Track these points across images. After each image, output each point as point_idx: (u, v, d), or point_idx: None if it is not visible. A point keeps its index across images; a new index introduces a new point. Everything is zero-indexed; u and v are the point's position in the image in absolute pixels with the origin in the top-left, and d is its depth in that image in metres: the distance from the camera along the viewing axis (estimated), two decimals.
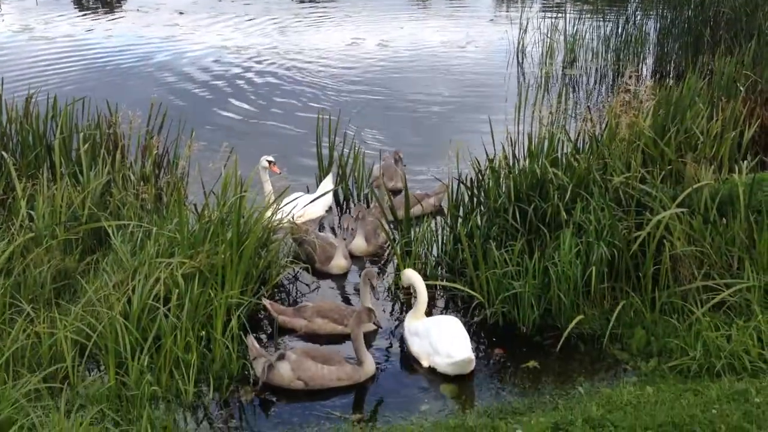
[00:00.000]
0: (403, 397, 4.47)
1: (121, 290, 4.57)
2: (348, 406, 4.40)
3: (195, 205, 6.07)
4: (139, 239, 5.21)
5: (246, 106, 10.44)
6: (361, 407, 4.41)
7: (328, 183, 7.03)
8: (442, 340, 4.64)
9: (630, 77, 6.70)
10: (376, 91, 11.13)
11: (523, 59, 12.48)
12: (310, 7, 19.18)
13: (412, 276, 5.07)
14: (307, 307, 5.17)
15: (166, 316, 4.46)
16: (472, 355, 4.56)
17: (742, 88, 7.22)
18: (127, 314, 4.45)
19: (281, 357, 4.50)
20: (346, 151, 7.48)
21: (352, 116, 9.05)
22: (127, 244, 5.13)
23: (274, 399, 4.46)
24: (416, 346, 4.81)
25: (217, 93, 11.02)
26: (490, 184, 5.79)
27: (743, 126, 6.45)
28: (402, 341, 5.03)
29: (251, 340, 4.63)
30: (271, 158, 6.72)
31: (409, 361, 4.85)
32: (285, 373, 4.46)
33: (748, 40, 9.14)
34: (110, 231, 5.26)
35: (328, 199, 6.99)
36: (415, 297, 5.02)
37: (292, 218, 6.14)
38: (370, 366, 4.60)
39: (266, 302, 5.18)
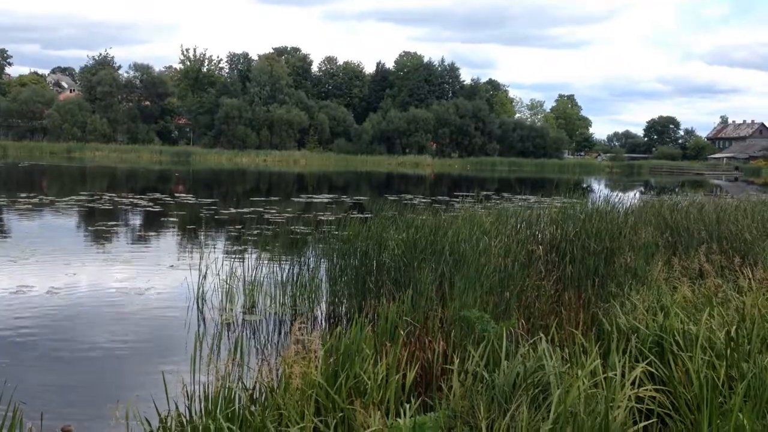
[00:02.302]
0: None
1: None
2: None
3: None
4: None
5: None
6: None
7: None
8: None
9: (299, 328, 6.99)
10: (41, 344, 10.30)
11: (203, 305, 12.49)
12: None
13: None
14: None
15: None
16: None
17: (403, 332, 7.87)
18: None
19: None
20: None
21: (10, 373, 8.22)
22: None
23: None
24: None
25: None
26: None
27: (405, 369, 6.96)
28: None
29: None
30: None
31: None
32: None
33: (407, 287, 10.13)
34: None
35: None
36: None
37: None
38: None
39: None
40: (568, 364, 6.44)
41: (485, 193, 37.77)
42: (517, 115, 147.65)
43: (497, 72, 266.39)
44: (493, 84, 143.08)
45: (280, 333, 11.25)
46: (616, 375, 6.08)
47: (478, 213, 14.28)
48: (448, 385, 6.51)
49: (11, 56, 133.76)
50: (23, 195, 35.02)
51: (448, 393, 6.32)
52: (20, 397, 6.83)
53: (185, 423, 5.73)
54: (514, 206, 16.12)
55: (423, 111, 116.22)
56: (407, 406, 5.83)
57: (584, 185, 63.33)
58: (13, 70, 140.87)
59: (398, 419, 5.61)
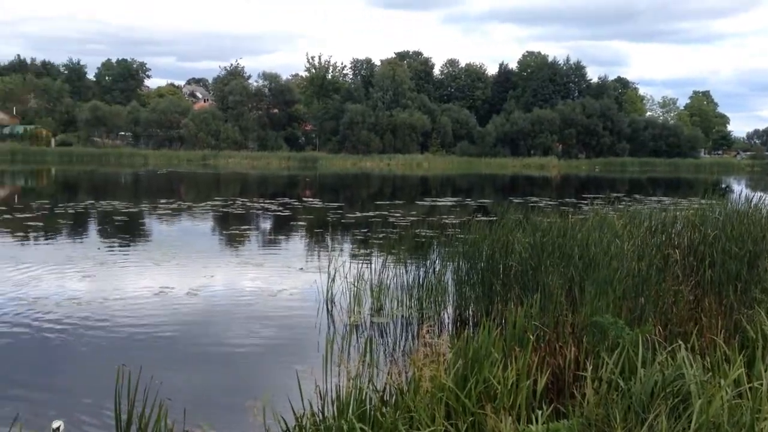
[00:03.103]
0: None
1: None
2: None
3: None
4: None
5: (41, 362, 9.77)
6: None
7: None
8: None
9: (427, 331, 7.02)
10: (183, 343, 10.86)
11: (332, 307, 12.78)
12: (117, 254, 18.94)
13: None
14: None
15: None
16: None
17: (532, 337, 7.75)
18: None
19: None
20: (147, 409, 7.05)
21: (156, 370, 8.66)
22: None
23: None
24: None
25: (8, 347, 10.26)
26: None
27: (536, 375, 6.85)
28: None
29: None
30: (57, 424, 6.19)
31: None
32: None
33: (535, 291, 9.97)
34: None
35: None
36: None
37: None
38: None
39: None
40: (710, 373, 6.15)
41: (615, 194, 36.61)
42: (648, 113, 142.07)
43: (625, 69, 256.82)
44: (621, 82, 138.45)
45: (407, 335, 11.34)
46: (762, 385, 5.74)
47: (609, 215, 13.84)
48: (581, 393, 6.35)
49: (150, 69, 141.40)
50: (163, 201, 36.96)
51: (581, 400, 6.17)
52: (164, 393, 7.21)
53: (318, 422, 5.87)
54: (646, 208, 15.52)
55: (548, 111, 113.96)
56: (539, 412, 5.74)
57: (723, 185, 60.31)
58: (152, 83, 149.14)
59: (530, 425, 5.54)
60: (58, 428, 6.14)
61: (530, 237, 12.29)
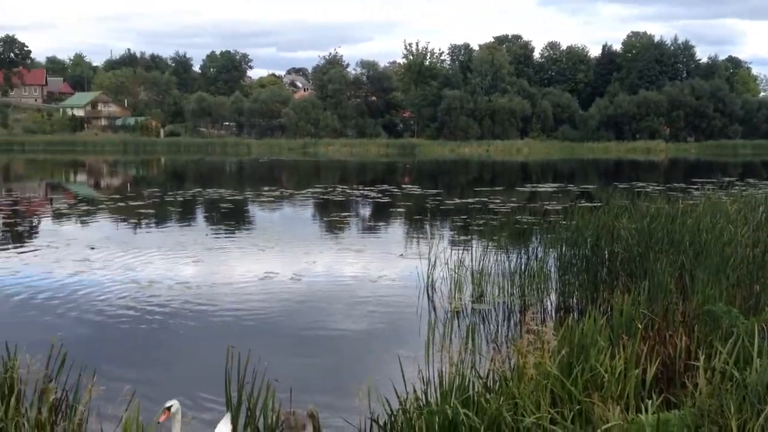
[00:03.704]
0: None
1: None
2: None
3: None
4: None
5: (154, 343, 10.22)
6: None
7: (225, 426, 6.75)
8: None
9: (532, 318, 6.93)
10: (288, 326, 11.12)
11: (432, 294, 12.80)
12: (224, 240, 19.56)
13: None
14: None
15: None
16: None
17: (640, 326, 7.54)
18: None
19: None
20: (255, 390, 7.27)
21: (262, 352, 8.91)
22: None
23: None
24: None
25: (125, 329, 10.79)
26: (403, 425, 5.70)
27: (645, 364, 6.66)
28: None
29: None
30: (170, 404, 6.45)
31: None
32: None
33: (642, 279, 9.69)
34: None
35: None
36: None
37: None
38: None
39: None
40: None
41: (727, 179, 35.08)
42: (762, 93, 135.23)
43: (738, 48, 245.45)
44: (733, 61, 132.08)
45: (509, 323, 11.24)
46: None
47: (721, 201, 13.29)
48: (692, 383, 6.14)
49: (252, 60, 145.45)
50: (266, 188, 37.89)
51: (693, 390, 5.96)
52: (271, 375, 7.41)
53: (422, 406, 5.90)
54: (761, 193, 14.81)
55: (654, 93, 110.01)
56: (648, 402, 5.58)
57: None
58: (254, 73, 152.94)
59: (639, 415, 5.39)
60: (171, 407, 6.40)
61: (637, 223, 11.96)
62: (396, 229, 23.62)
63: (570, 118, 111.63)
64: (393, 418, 5.86)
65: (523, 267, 12.41)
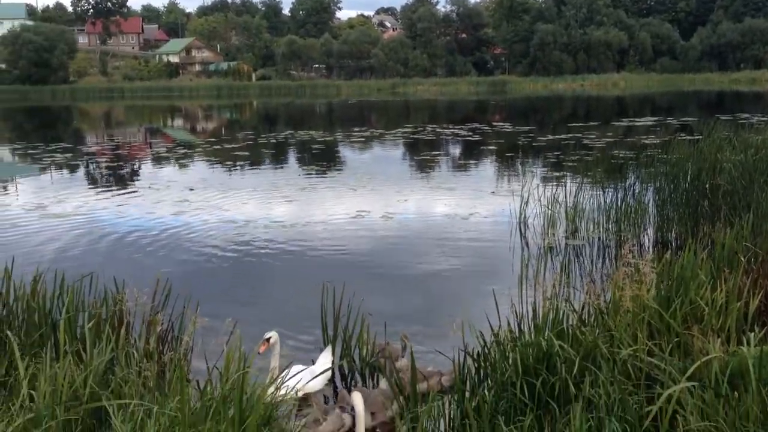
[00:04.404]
0: None
1: None
2: None
3: (198, 381, 5.99)
4: (139, 419, 5.09)
5: (253, 279, 10.57)
6: None
7: (326, 357, 6.96)
8: None
9: (629, 251, 6.78)
10: (380, 263, 11.27)
11: (525, 230, 12.68)
12: (316, 180, 19.86)
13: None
14: None
15: None
16: None
17: (743, 259, 7.28)
18: None
19: None
20: (351, 323, 7.45)
21: (356, 288, 9.08)
22: (127, 424, 5.01)
23: None
24: None
25: (224, 266, 11.18)
26: (497, 357, 5.73)
27: (747, 297, 6.44)
28: None
29: None
30: (269, 335, 6.68)
31: None
32: None
33: (746, 212, 9.31)
34: (111, 411, 5.15)
35: (329, 372, 6.91)
36: None
37: (296, 394, 6.04)
38: None
39: None
40: None
41: None
42: None
43: None
44: None
45: (604, 258, 11.04)
46: None
47: None
48: None
49: (341, 1, 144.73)
50: (356, 129, 38.08)
51: None
52: (365, 309, 7.56)
53: (516, 339, 5.90)
54: None
55: (761, 21, 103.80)
56: (750, 335, 5.41)
57: None
58: (343, 14, 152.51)
59: (741, 347, 5.24)
60: (269, 338, 6.63)
61: (741, 155, 11.45)
62: (487, 167, 23.40)
63: (670, 49, 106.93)
64: (487, 350, 5.89)
65: (619, 202, 12.11)
